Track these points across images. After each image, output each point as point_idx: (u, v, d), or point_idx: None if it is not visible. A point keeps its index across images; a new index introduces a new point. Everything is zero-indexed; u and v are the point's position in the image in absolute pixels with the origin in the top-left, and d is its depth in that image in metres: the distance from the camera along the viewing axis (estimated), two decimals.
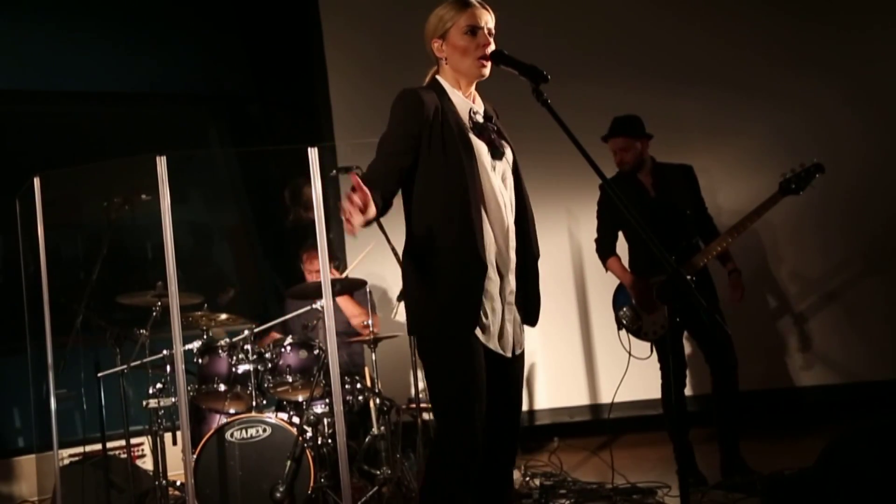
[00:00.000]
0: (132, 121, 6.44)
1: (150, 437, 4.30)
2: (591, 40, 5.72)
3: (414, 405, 4.35)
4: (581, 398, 5.73)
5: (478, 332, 2.48)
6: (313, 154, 3.86)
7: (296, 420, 4.15)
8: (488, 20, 2.59)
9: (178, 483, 4.22)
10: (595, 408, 5.69)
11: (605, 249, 4.40)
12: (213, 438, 4.03)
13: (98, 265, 4.43)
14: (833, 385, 5.43)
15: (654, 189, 4.29)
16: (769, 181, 4.22)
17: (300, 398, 4.30)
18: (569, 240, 5.73)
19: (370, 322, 4.39)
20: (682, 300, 2.58)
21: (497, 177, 2.57)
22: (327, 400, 4.12)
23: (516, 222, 2.61)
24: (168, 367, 4.24)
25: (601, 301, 5.33)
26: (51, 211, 4.25)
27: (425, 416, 4.20)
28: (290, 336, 4.44)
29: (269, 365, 4.29)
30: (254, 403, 4.23)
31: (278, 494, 3.90)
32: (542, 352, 5.77)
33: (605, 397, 5.57)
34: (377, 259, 4.97)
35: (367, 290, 4.74)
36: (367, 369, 4.75)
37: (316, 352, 4.28)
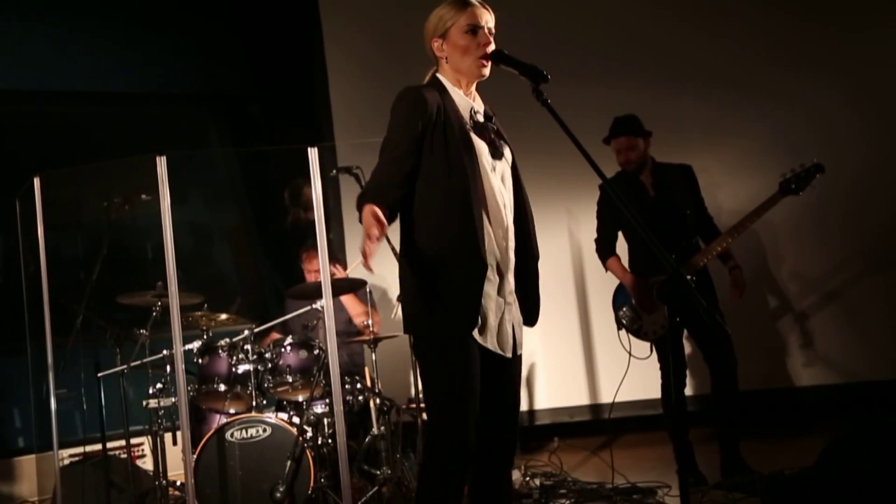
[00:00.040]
0: (132, 121, 6.44)
1: (150, 437, 4.30)
2: (591, 40, 5.72)
3: (414, 405, 4.35)
4: (581, 398, 5.73)
5: (475, 332, 2.47)
6: (313, 154, 3.86)
7: (296, 420, 4.15)
8: (489, 20, 2.59)
9: (179, 483, 4.22)
10: (595, 408, 5.70)
11: (604, 249, 4.40)
12: (213, 438, 4.03)
13: (98, 265, 4.43)
14: (833, 385, 5.43)
15: (654, 189, 4.29)
16: (769, 181, 4.23)
17: (300, 398, 4.30)
18: (569, 240, 5.74)
19: (370, 322, 4.40)
20: (681, 300, 2.58)
21: (497, 177, 2.57)
22: (327, 400, 4.12)
23: (516, 223, 2.61)
24: (168, 367, 4.24)
25: (601, 301, 5.33)
26: (51, 211, 4.24)
27: (425, 416, 4.20)
28: (290, 336, 4.44)
29: (269, 365, 4.29)
30: (254, 403, 4.23)
31: (278, 494, 3.90)
32: (542, 352, 5.77)
33: (605, 397, 5.58)
34: (377, 259, 4.95)
35: (368, 289, 4.74)
36: (367, 369, 4.75)
37: (316, 352, 4.28)
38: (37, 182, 4.17)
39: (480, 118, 2.60)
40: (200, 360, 4.31)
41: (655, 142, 4.34)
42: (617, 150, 4.28)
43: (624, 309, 4.30)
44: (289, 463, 3.94)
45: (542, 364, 5.80)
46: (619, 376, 4.14)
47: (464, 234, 2.45)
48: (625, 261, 4.38)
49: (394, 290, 5.22)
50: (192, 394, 4.23)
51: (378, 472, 4.09)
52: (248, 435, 4.05)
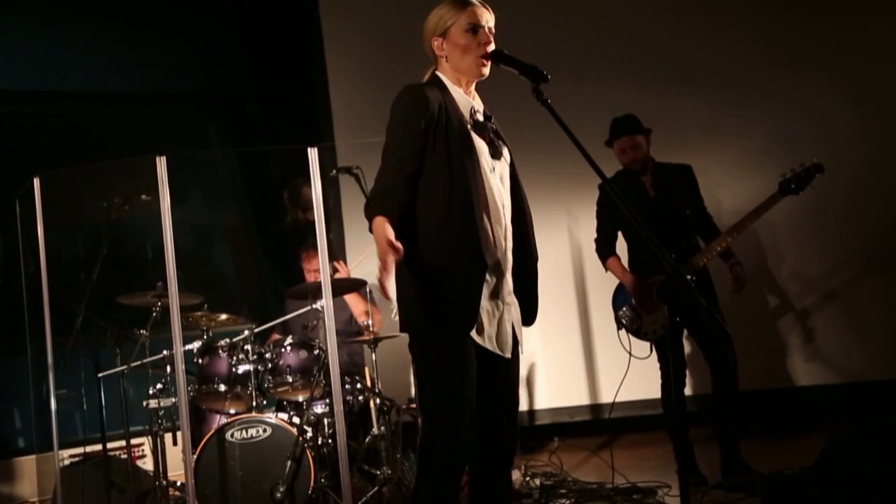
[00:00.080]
0: (132, 121, 6.44)
1: (150, 437, 4.30)
2: (591, 40, 5.72)
3: (414, 405, 4.35)
4: (581, 398, 5.74)
5: (473, 332, 2.47)
6: (313, 154, 3.86)
7: (296, 420, 4.15)
8: (489, 19, 2.59)
9: (179, 483, 4.22)
10: (595, 408, 5.70)
11: (604, 249, 4.40)
12: (213, 439, 4.03)
13: (98, 265, 4.43)
14: (833, 385, 5.43)
15: (654, 189, 4.29)
16: (769, 181, 4.23)
17: (300, 398, 4.30)
18: (569, 240, 5.74)
19: (370, 322, 4.40)
20: (681, 300, 2.59)
21: (496, 177, 2.57)
22: (327, 400, 4.12)
23: (514, 223, 2.61)
24: (168, 368, 4.24)
25: (601, 301, 5.33)
26: (51, 211, 4.24)
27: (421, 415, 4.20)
28: (290, 336, 4.44)
29: (269, 365, 4.29)
30: (254, 403, 4.23)
31: (278, 494, 3.90)
32: (542, 352, 5.78)
33: (605, 397, 5.58)
34: (377, 259, 4.97)
35: (368, 289, 4.74)
36: (367, 369, 4.75)
37: (316, 352, 4.28)
38: (37, 182, 4.17)
39: (480, 117, 2.60)
40: (200, 361, 4.31)
41: (655, 142, 4.34)
42: (621, 150, 4.28)
43: (624, 309, 4.30)
44: (289, 463, 3.94)
45: (542, 364, 5.80)
46: (619, 376, 4.14)
47: (464, 235, 2.45)
48: (624, 261, 4.38)
49: (393, 290, 5.21)
50: (192, 394, 4.23)
51: (378, 472, 4.09)
52: (249, 435, 4.05)
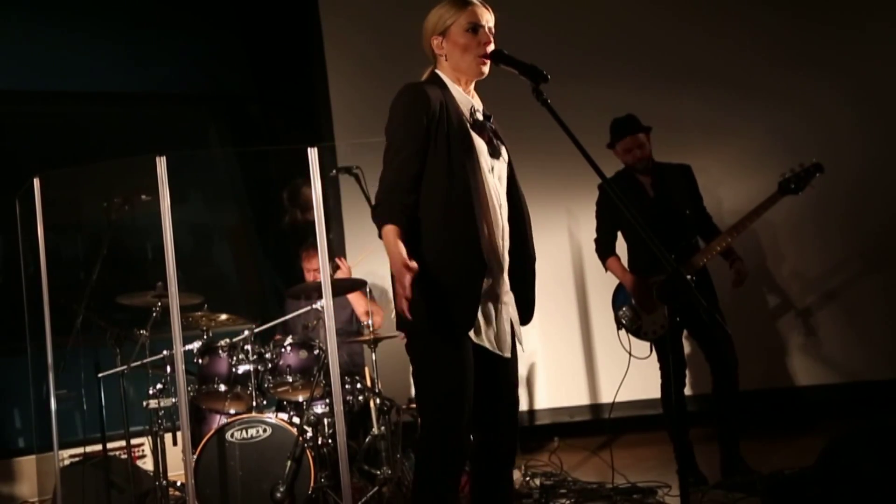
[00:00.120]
0: (132, 121, 6.44)
1: (150, 437, 4.30)
2: (591, 40, 5.72)
3: (414, 405, 4.35)
4: (581, 398, 5.74)
5: (471, 332, 2.47)
6: (313, 154, 3.86)
7: (296, 420, 4.15)
8: (489, 19, 2.59)
9: (179, 483, 4.22)
10: (595, 408, 5.70)
11: (604, 249, 4.40)
12: (213, 439, 4.03)
13: (98, 265, 4.43)
14: (833, 384, 5.43)
15: (654, 189, 4.29)
16: (769, 181, 4.23)
17: (300, 398, 4.30)
18: (569, 240, 5.74)
19: (370, 322, 4.40)
20: (681, 300, 2.59)
21: (494, 177, 2.57)
22: (327, 400, 4.12)
23: (512, 223, 2.61)
24: (168, 368, 4.24)
25: (601, 301, 5.33)
26: (51, 211, 4.24)
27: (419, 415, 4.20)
28: (290, 336, 4.44)
29: (269, 365, 4.29)
30: (254, 403, 4.23)
31: (279, 494, 3.90)
32: (542, 352, 5.78)
33: (606, 397, 5.58)
34: (378, 258, 4.97)
35: (368, 289, 4.74)
36: (367, 369, 4.75)
37: (316, 352, 4.28)
38: (37, 182, 4.17)
39: (480, 117, 2.60)
40: (200, 361, 4.31)
41: (655, 142, 4.34)
42: (626, 150, 4.27)
43: (623, 309, 4.30)
44: (289, 463, 3.94)
45: (542, 364, 5.80)
46: (619, 376, 4.14)
47: (463, 235, 2.45)
48: (624, 261, 4.38)
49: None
50: (192, 394, 4.23)
51: (378, 472, 4.09)
52: (249, 435, 4.05)
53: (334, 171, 4.84)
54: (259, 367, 4.28)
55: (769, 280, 5.56)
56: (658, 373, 4.28)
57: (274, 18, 6.36)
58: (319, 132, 5.97)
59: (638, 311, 4.24)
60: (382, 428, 4.20)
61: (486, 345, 2.51)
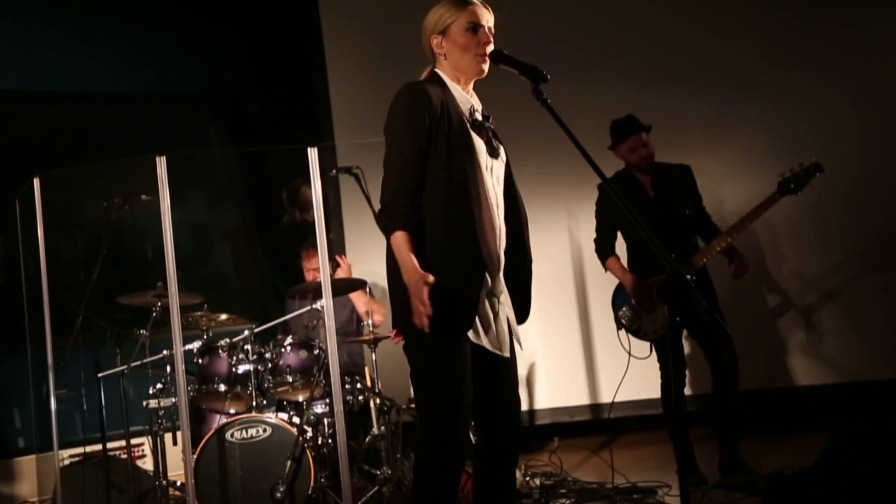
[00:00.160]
0: (132, 121, 6.44)
1: (150, 437, 4.30)
2: (591, 40, 5.72)
3: (414, 405, 4.35)
4: (581, 398, 5.74)
5: (470, 332, 2.47)
6: (313, 154, 3.86)
7: (296, 420, 4.15)
8: (489, 19, 2.59)
9: (179, 483, 4.22)
10: (595, 407, 5.70)
11: (604, 249, 4.40)
12: (213, 438, 4.03)
13: (98, 265, 4.43)
14: (833, 384, 5.43)
15: (654, 189, 4.29)
16: (769, 181, 4.23)
17: (300, 398, 4.30)
18: (569, 240, 5.74)
19: (370, 322, 4.40)
20: (681, 300, 2.59)
21: (492, 177, 2.57)
22: (327, 400, 4.12)
23: (509, 223, 2.61)
24: (168, 368, 4.24)
25: (601, 301, 5.33)
26: (51, 211, 4.24)
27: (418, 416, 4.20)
28: (290, 336, 4.44)
29: (269, 365, 4.29)
30: (254, 403, 4.23)
31: (278, 494, 3.90)
32: (542, 352, 5.78)
33: (605, 397, 5.58)
34: (378, 258, 4.97)
35: (368, 289, 4.74)
36: (367, 369, 4.75)
37: (316, 352, 4.28)
38: (37, 182, 4.17)
39: (479, 116, 2.60)
40: (200, 361, 4.31)
41: (655, 142, 4.34)
42: (631, 150, 4.26)
43: (623, 309, 4.30)
44: (289, 463, 3.94)
45: (542, 364, 5.80)
46: (619, 376, 4.14)
47: (463, 235, 2.44)
48: (624, 261, 4.38)
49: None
50: (192, 394, 4.23)
51: (378, 472, 4.09)
52: (249, 435, 4.05)
53: (334, 171, 4.85)
54: (259, 367, 4.28)
55: (769, 280, 5.56)
56: (658, 373, 4.28)
57: (274, 18, 6.36)
58: (319, 132, 5.97)
59: (638, 311, 4.24)
60: (382, 428, 4.20)
61: (485, 345, 2.51)
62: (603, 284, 4.79)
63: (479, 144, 2.55)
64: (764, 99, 5.50)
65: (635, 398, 4.75)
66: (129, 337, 4.41)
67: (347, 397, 4.26)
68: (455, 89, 2.59)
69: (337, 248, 5.69)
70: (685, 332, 4.38)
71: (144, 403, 4.27)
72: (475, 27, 2.56)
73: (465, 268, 2.44)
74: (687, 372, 4.42)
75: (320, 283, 3.93)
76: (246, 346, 4.31)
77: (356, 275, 4.97)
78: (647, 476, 4.25)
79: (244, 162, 6.64)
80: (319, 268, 4.04)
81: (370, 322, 4.41)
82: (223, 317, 4.57)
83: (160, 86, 6.43)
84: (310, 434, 4.06)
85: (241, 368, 4.27)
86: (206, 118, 6.77)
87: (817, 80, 5.47)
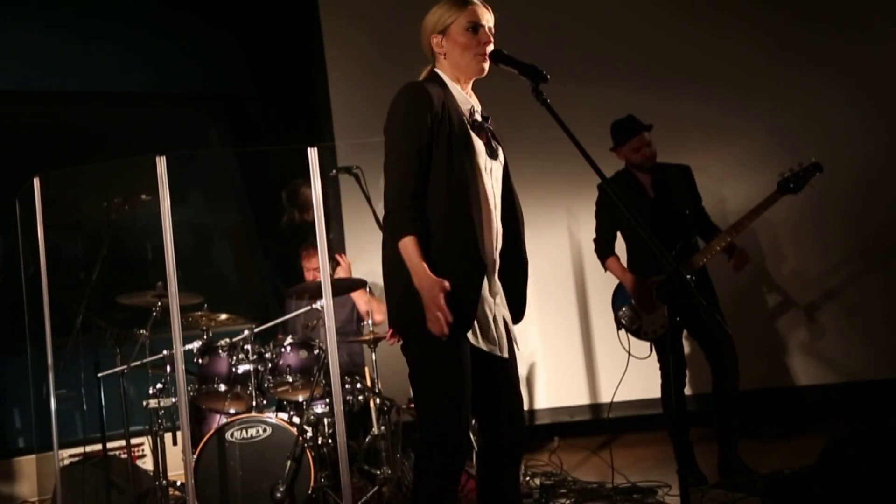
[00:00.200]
0: (132, 121, 6.44)
1: (150, 437, 4.30)
2: (591, 40, 5.72)
3: (414, 405, 4.35)
4: (581, 398, 5.74)
5: (469, 333, 2.46)
6: (313, 154, 3.86)
7: (296, 420, 4.15)
8: (489, 19, 2.59)
9: (179, 483, 4.22)
10: (595, 407, 5.70)
11: (603, 249, 4.40)
12: (213, 438, 4.03)
13: (98, 265, 4.43)
14: (833, 384, 5.43)
15: (654, 189, 4.29)
16: (769, 181, 4.23)
17: (300, 398, 4.30)
18: (569, 240, 5.74)
19: (370, 322, 4.40)
20: (681, 299, 2.59)
21: (490, 178, 2.57)
22: (327, 400, 4.12)
23: (506, 225, 2.61)
24: (168, 368, 4.25)
25: (601, 301, 5.33)
26: (51, 211, 4.24)
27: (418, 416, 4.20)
28: (290, 336, 4.44)
29: (269, 365, 4.29)
30: (254, 403, 4.23)
31: (278, 494, 3.90)
32: (542, 352, 5.78)
33: (605, 397, 5.58)
34: (378, 257, 4.97)
35: (368, 288, 4.74)
36: (367, 369, 4.75)
37: (316, 352, 4.28)
38: (37, 182, 4.17)
39: (478, 117, 2.60)
40: (200, 360, 4.31)
41: (655, 142, 4.34)
42: (635, 150, 4.25)
43: (623, 309, 4.30)
44: (289, 463, 3.94)
45: (542, 364, 5.80)
46: (619, 376, 4.14)
47: (462, 236, 2.44)
48: (624, 261, 4.38)
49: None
50: (192, 394, 4.23)
51: (378, 472, 4.09)
52: (249, 435, 4.05)
53: (334, 171, 4.85)
54: (259, 367, 4.28)
55: (769, 279, 5.56)
56: (658, 372, 4.28)
57: (274, 18, 6.36)
58: (319, 132, 5.97)
59: (638, 311, 4.24)
60: (382, 428, 4.20)
61: (482, 346, 2.51)
62: (603, 284, 4.79)
63: (479, 145, 2.55)
64: (764, 99, 5.50)
65: (635, 398, 4.75)
66: (129, 337, 4.41)
67: (347, 397, 4.26)
68: (455, 89, 2.59)
69: (337, 247, 5.69)
70: (685, 332, 4.38)
71: (144, 403, 4.27)
72: (475, 27, 2.55)
73: (464, 269, 2.44)
74: (687, 372, 4.42)
75: (320, 282, 3.93)
76: (246, 346, 4.31)
77: (356, 274, 4.97)
78: (647, 476, 4.25)
79: (244, 162, 6.64)
80: (319, 268, 4.04)
81: (370, 322, 4.41)
82: (223, 317, 4.58)
83: (160, 86, 6.43)
84: (310, 434, 4.07)
85: (241, 368, 4.27)
86: (206, 118, 6.78)
87: (817, 80, 5.47)
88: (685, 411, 4.16)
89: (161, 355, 4.27)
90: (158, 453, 4.20)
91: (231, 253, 6.83)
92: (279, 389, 4.30)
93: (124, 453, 4.45)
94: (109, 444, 4.32)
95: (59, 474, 4.23)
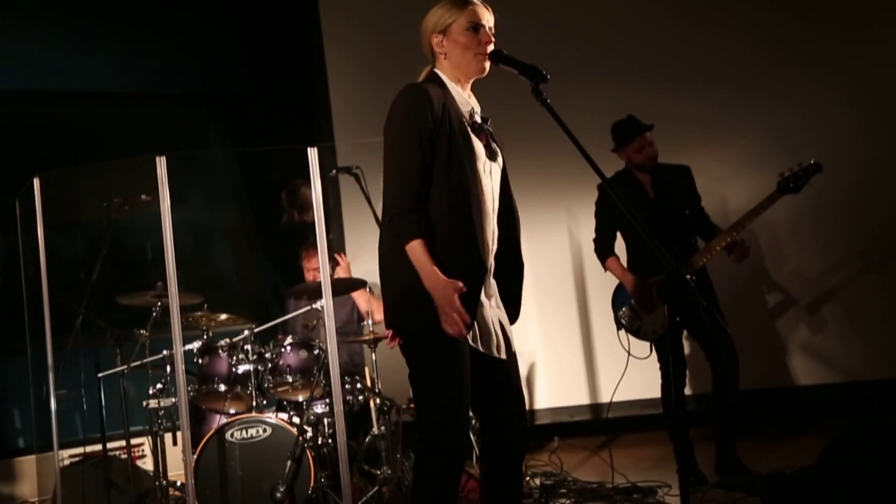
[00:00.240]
0: (132, 121, 6.44)
1: (150, 437, 4.30)
2: (591, 40, 5.72)
3: (413, 405, 4.35)
4: (581, 398, 5.74)
5: (469, 335, 2.46)
6: (313, 154, 3.86)
7: (296, 420, 4.15)
8: (489, 19, 2.59)
9: (179, 483, 4.22)
10: (595, 407, 5.70)
11: (603, 249, 4.40)
12: (213, 439, 4.03)
13: (98, 265, 4.43)
14: (833, 384, 5.43)
15: (654, 189, 4.29)
16: (769, 181, 4.23)
17: (300, 398, 4.30)
18: (569, 240, 5.74)
19: (370, 321, 4.40)
20: (681, 299, 2.59)
21: (489, 179, 2.57)
22: (327, 400, 4.12)
23: (502, 226, 2.61)
24: (168, 368, 4.24)
25: (601, 301, 5.33)
26: (51, 211, 4.24)
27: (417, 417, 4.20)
28: (290, 336, 4.44)
29: (269, 365, 4.29)
30: (254, 403, 4.23)
31: (279, 494, 3.90)
32: (542, 352, 5.78)
33: (605, 397, 5.57)
34: (377, 257, 4.97)
35: (368, 288, 4.74)
36: (367, 369, 4.75)
37: (316, 352, 4.28)
38: (37, 182, 4.17)
39: (478, 119, 2.60)
40: (200, 361, 4.31)
41: (656, 142, 4.34)
42: (638, 150, 4.24)
43: (623, 309, 4.30)
44: (289, 463, 3.94)
45: (542, 364, 5.80)
46: (619, 376, 4.14)
47: (462, 237, 2.44)
48: (623, 261, 4.38)
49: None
50: (192, 394, 4.23)
51: (378, 472, 4.09)
52: (249, 435, 4.05)
53: (334, 171, 4.85)
54: (259, 367, 4.28)
55: (769, 279, 5.56)
56: (658, 372, 4.29)
57: (274, 18, 6.36)
58: (319, 132, 5.97)
59: (638, 311, 4.24)
60: (382, 428, 4.20)
61: (480, 347, 2.51)
62: (603, 284, 4.79)
63: (479, 147, 2.54)
64: (764, 99, 5.50)
65: (635, 398, 4.75)
66: (129, 337, 4.41)
67: (347, 397, 4.26)
68: (455, 91, 2.58)
69: (337, 247, 5.69)
70: (685, 332, 4.39)
71: (144, 403, 4.27)
72: (476, 27, 2.55)
73: (464, 270, 2.43)
74: (687, 372, 4.42)
75: (320, 282, 3.93)
76: (246, 346, 4.31)
77: (356, 274, 4.97)
78: (647, 476, 4.25)
79: (244, 162, 6.64)
80: (319, 268, 4.04)
81: (371, 321, 4.41)
82: (223, 317, 4.58)
83: (160, 86, 6.43)
84: (310, 434, 4.07)
85: (241, 368, 4.27)
86: (206, 118, 6.77)
87: (817, 80, 5.47)
88: (685, 411, 4.17)
89: (161, 355, 4.27)
90: (158, 453, 4.20)
91: (231, 253, 6.83)
92: (279, 389, 4.30)
93: (124, 453, 4.45)
94: (109, 445, 4.32)
95: (59, 474, 4.23)
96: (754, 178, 5.07)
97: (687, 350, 4.64)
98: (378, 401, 4.30)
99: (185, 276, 4.09)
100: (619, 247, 4.42)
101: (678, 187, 4.31)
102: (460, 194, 2.44)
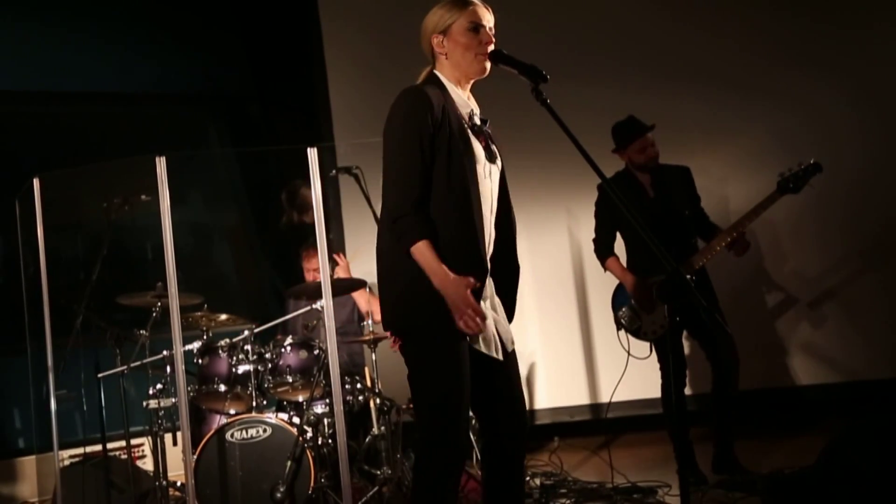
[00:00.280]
0: (132, 121, 6.44)
1: (150, 437, 4.30)
2: (591, 40, 5.72)
3: (413, 405, 4.34)
4: (581, 398, 5.74)
5: (468, 336, 2.46)
6: (313, 154, 3.86)
7: (296, 420, 4.15)
8: (489, 19, 2.59)
9: (179, 483, 4.22)
10: (595, 407, 5.70)
11: (603, 250, 4.40)
12: (213, 439, 4.03)
13: (98, 265, 4.43)
14: (833, 384, 5.43)
15: (654, 189, 4.29)
16: (769, 181, 4.23)
17: (300, 398, 4.30)
18: (569, 240, 5.73)
19: (370, 322, 4.40)
20: (681, 299, 2.59)
21: (488, 181, 2.57)
22: (327, 400, 4.12)
23: (500, 229, 2.61)
24: (168, 368, 4.24)
25: (601, 301, 5.33)
26: (51, 211, 4.24)
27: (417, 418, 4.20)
28: (290, 336, 4.44)
29: (269, 365, 4.29)
30: (254, 404, 4.24)
31: (279, 495, 3.90)
32: (542, 352, 5.78)
33: (605, 397, 5.57)
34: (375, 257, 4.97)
35: (368, 288, 4.74)
36: (367, 369, 4.75)
37: (316, 352, 4.28)
38: (36, 183, 4.17)
39: (477, 120, 2.60)
40: (200, 361, 4.31)
41: (655, 141, 4.34)
42: (640, 150, 4.25)
43: (623, 309, 4.30)
44: (289, 463, 3.94)
45: (542, 364, 5.80)
46: (619, 376, 4.14)
47: (462, 239, 2.44)
48: (623, 261, 4.38)
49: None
50: (192, 394, 4.23)
51: (378, 472, 4.09)
52: (249, 435, 4.05)
53: (334, 171, 4.84)
54: (259, 367, 4.28)
55: (769, 279, 5.56)
56: (658, 372, 4.29)
57: (273, 19, 6.36)
58: (319, 132, 5.97)
59: (638, 311, 4.24)
60: (382, 428, 4.20)
61: (480, 348, 2.50)
62: (603, 284, 4.79)
63: (478, 149, 2.54)
64: (764, 99, 5.50)
65: (635, 398, 4.75)
66: (129, 337, 4.41)
67: (347, 397, 4.26)
68: (455, 93, 2.58)
69: (337, 248, 5.69)
70: (685, 332, 4.38)
71: (144, 404, 4.27)
72: (476, 27, 2.55)
73: (465, 271, 2.42)
74: (687, 372, 4.42)
75: (320, 283, 3.93)
76: (246, 347, 4.31)
77: (355, 274, 4.97)
78: (647, 476, 4.25)
79: (244, 162, 6.64)
80: (319, 268, 4.04)
81: (371, 321, 4.41)
82: (223, 317, 4.58)
83: (160, 86, 6.43)
84: (310, 434, 4.07)
85: (241, 369, 4.27)
86: (206, 118, 6.77)
87: (817, 80, 5.47)
88: (685, 411, 4.17)
89: (161, 356, 4.27)
90: (158, 454, 4.20)
91: (231, 253, 6.83)
92: (279, 390, 4.30)
93: (124, 454, 4.45)
94: (109, 445, 4.32)
95: (59, 475, 4.23)
96: (754, 178, 5.07)
97: (687, 350, 4.64)
98: (378, 401, 4.30)
99: (185, 276, 4.08)
100: (619, 247, 4.42)
101: (678, 188, 4.31)
102: (461, 196, 2.44)
